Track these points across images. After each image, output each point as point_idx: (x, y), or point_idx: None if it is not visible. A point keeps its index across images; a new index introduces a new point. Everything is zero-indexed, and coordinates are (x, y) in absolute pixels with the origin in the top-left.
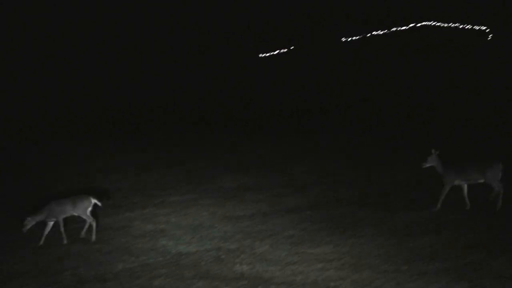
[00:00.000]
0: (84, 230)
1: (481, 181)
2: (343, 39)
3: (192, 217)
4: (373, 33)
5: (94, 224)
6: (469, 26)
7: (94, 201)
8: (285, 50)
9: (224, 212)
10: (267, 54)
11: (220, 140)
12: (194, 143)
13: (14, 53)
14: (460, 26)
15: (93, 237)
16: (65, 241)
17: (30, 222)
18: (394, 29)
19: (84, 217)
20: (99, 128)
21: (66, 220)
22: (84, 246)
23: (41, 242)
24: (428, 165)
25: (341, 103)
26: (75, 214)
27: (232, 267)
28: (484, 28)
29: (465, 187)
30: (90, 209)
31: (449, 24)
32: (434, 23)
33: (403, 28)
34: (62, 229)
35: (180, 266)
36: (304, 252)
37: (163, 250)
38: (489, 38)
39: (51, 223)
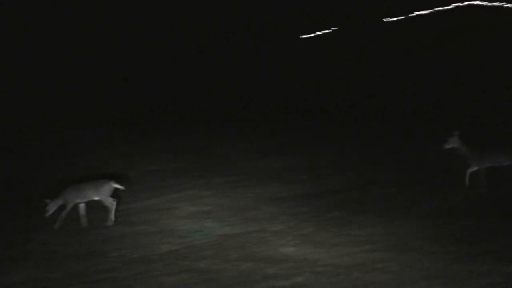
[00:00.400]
0: (111, 216)
1: (507, 163)
2: (386, 20)
3: (237, 198)
4: (417, 13)
5: (113, 209)
6: None
7: (115, 185)
8: (328, 31)
9: (268, 193)
10: (309, 36)
11: (262, 122)
12: (235, 125)
13: (34, 43)
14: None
15: (110, 222)
16: (84, 225)
17: (52, 207)
18: (438, 8)
19: (106, 202)
20: (135, 114)
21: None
22: (129, 227)
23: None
24: (449, 146)
25: (387, 89)
26: (96, 198)
27: (277, 249)
28: None
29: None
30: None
31: (496, 3)
32: (480, 2)
33: (447, 7)
34: (83, 213)
35: (225, 247)
36: (350, 233)
37: (208, 231)
38: None
39: (82, 205)
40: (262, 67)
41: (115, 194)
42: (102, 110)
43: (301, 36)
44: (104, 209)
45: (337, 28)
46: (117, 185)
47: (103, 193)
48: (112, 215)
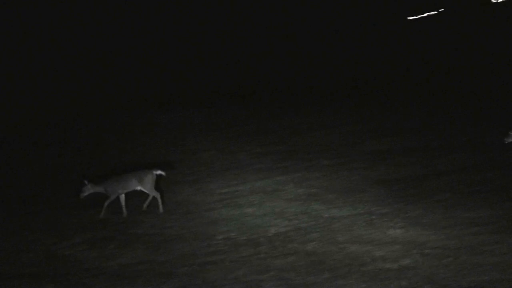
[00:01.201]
0: (147, 203)
1: None
2: (494, 0)
3: (344, 180)
4: None
5: (158, 197)
6: None
7: (157, 172)
8: (435, 12)
9: (375, 175)
10: (416, 17)
11: (367, 103)
12: (341, 107)
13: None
14: None
15: (161, 209)
16: (124, 215)
17: (87, 191)
18: None
19: (149, 192)
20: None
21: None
22: (235, 210)
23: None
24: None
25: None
26: (139, 189)
27: (385, 231)
28: None
29: None
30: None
31: None
32: None
33: None
34: (123, 203)
35: (333, 230)
36: (458, 215)
37: (316, 214)
38: None
39: (122, 196)
40: (368, 49)
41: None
42: (199, 92)
43: (408, 18)
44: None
45: (443, 9)
46: (159, 172)
47: (146, 184)
48: (160, 205)
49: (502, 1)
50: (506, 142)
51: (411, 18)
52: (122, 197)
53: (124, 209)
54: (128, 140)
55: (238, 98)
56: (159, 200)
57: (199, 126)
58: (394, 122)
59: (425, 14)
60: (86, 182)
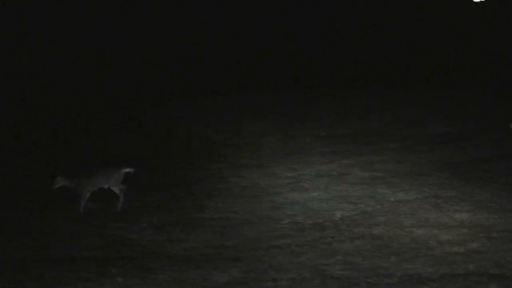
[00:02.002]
0: (120, 203)
1: None
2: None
3: (409, 164)
4: None
5: (122, 194)
6: None
7: (125, 170)
8: None
9: (441, 158)
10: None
11: (428, 85)
12: (395, 92)
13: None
14: None
15: (118, 207)
16: (80, 215)
17: (58, 183)
18: None
19: (116, 191)
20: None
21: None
22: (301, 194)
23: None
24: None
25: None
26: (106, 187)
27: (451, 215)
28: None
29: None
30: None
31: None
32: None
33: None
34: (82, 202)
35: (399, 214)
36: None
37: (381, 197)
38: None
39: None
40: (427, 33)
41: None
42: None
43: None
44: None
45: None
46: (128, 169)
47: (113, 182)
48: (120, 202)
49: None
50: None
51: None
52: (86, 194)
53: (80, 209)
54: (196, 124)
55: (293, 83)
56: (121, 198)
57: (264, 109)
58: (448, 107)
59: None
60: (59, 178)
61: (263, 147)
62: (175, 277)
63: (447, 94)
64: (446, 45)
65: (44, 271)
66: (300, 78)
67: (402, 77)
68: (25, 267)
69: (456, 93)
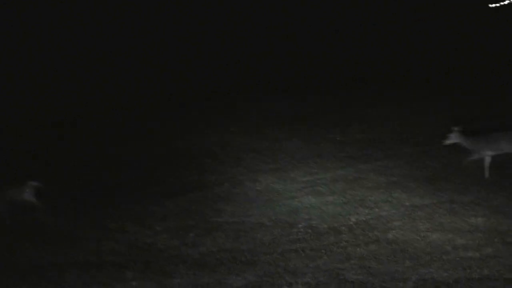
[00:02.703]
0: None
1: None
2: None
3: (425, 169)
4: None
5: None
6: None
7: (33, 184)
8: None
9: (457, 163)
10: (498, 4)
11: (445, 89)
12: (413, 99)
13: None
14: None
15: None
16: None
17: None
18: None
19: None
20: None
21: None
22: (316, 198)
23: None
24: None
25: None
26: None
27: (466, 220)
28: None
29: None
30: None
31: None
32: None
33: None
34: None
35: (414, 218)
36: None
37: (397, 202)
38: None
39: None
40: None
41: None
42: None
43: (489, 5)
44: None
45: None
46: (35, 184)
47: (25, 195)
48: None
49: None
50: (445, 144)
51: (492, 5)
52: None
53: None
54: (216, 126)
55: (313, 89)
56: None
57: (280, 115)
58: (464, 112)
59: (506, 2)
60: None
61: (280, 152)
62: (190, 281)
63: (463, 99)
64: (457, 46)
65: (62, 275)
66: (312, 82)
67: (418, 83)
68: (44, 272)
69: (472, 97)
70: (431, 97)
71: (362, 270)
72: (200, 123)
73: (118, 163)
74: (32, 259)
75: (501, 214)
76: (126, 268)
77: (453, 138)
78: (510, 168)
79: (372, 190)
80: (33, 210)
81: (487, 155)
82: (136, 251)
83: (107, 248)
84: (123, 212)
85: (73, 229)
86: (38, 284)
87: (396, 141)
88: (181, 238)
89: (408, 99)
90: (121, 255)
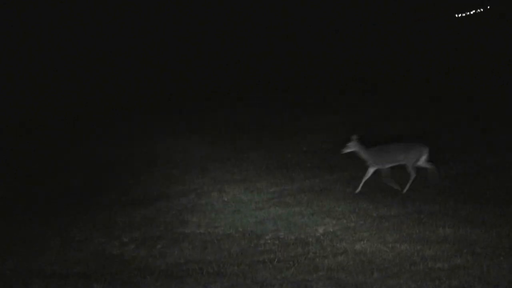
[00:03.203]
0: None
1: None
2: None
3: (393, 179)
4: None
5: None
6: None
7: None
8: (481, 10)
9: (424, 173)
10: (464, 14)
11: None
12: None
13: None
14: None
15: None
16: None
17: None
18: None
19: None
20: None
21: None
22: (284, 209)
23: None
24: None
25: None
26: None
27: (434, 230)
28: None
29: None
30: None
31: None
32: None
33: None
34: None
35: (382, 229)
36: (509, 213)
37: (364, 213)
38: None
39: None
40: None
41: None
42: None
43: (456, 15)
44: None
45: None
46: None
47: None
48: None
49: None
50: (343, 153)
51: (458, 15)
52: None
53: None
54: (175, 138)
55: (278, 96)
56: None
57: (246, 125)
58: (430, 120)
59: (472, 12)
60: None
61: (246, 162)
62: None
63: (437, 106)
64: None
65: (27, 285)
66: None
67: (394, 87)
68: (7, 282)
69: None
70: (407, 104)
71: (330, 281)
72: (164, 130)
73: (83, 167)
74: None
75: (469, 224)
76: (93, 279)
77: (351, 147)
78: (478, 177)
79: (339, 200)
80: None
81: (384, 166)
82: (103, 261)
83: (74, 259)
84: (89, 222)
85: (38, 237)
86: None
87: None
88: (148, 248)
89: (385, 106)
90: (88, 265)
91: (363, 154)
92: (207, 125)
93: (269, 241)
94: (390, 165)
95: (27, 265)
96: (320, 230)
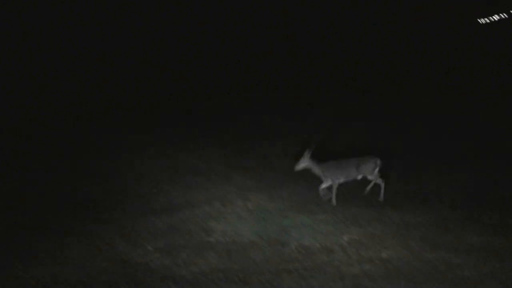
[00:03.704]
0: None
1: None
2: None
3: (418, 185)
4: None
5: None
6: None
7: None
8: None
9: (451, 180)
10: (488, 20)
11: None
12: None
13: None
14: None
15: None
16: None
17: None
18: None
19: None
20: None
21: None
22: (309, 217)
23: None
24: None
25: None
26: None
27: (461, 237)
28: None
29: None
30: None
31: None
32: None
33: None
34: None
35: (407, 236)
36: None
37: (389, 220)
38: None
39: None
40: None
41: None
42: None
43: (478, 20)
44: None
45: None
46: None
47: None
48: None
49: None
50: (296, 170)
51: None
52: None
53: None
54: (200, 144)
55: (300, 104)
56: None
57: (270, 132)
58: (452, 125)
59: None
60: None
61: (269, 170)
62: None
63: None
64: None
65: None
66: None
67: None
68: None
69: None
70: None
71: None
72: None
73: (104, 175)
74: (20, 279)
75: (495, 232)
76: (118, 287)
77: (303, 163)
78: (505, 185)
79: (364, 208)
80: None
81: (336, 182)
82: (127, 270)
83: (99, 267)
84: (114, 230)
85: (63, 247)
86: None
87: (387, 158)
88: (172, 257)
89: (394, 118)
90: (113, 274)
91: (315, 170)
92: (229, 132)
93: (294, 249)
94: (344, 180)
95: (51, 274)
96: (345, 238)
